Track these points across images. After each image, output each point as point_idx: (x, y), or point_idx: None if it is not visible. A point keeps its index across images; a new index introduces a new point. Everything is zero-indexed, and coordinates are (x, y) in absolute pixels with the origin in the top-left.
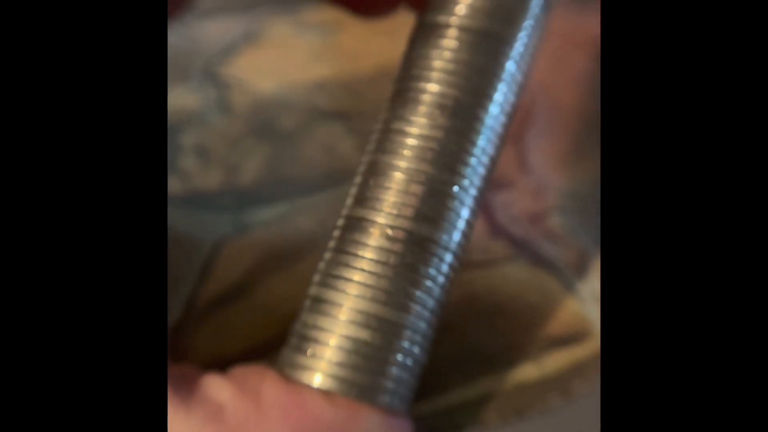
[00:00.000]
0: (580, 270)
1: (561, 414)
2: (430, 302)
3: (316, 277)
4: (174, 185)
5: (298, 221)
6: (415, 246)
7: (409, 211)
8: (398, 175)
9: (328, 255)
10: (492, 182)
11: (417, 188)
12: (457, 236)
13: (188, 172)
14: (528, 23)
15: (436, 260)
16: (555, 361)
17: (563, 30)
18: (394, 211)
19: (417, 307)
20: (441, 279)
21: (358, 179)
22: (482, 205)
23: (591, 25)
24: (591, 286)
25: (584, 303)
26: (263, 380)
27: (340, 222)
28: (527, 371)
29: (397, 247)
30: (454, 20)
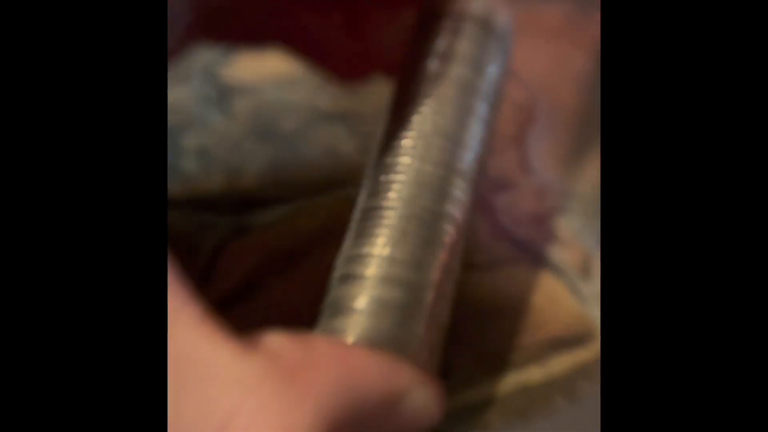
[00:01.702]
0: (584, 271)
1: (566, 416)
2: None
3: (340, 260)
4: (175, 188)
5: (300, 223)
6: (427, 219)
7: (422, 201)
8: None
9: (349, 240)
10: (494, 184)
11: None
12: (456, 211)
13: (189, 174)
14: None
15: (446, 227)
16: (559, 363)
17: (563, 30)
18: (407, 198)
19: (434, 270)
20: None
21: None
22: (484, 207)
23: (591, 25)
24: (594, 288)
25: (588, 305)
26: (312, 336)
27: (357, 215)
28: (532, 373)
29: (413, 224)
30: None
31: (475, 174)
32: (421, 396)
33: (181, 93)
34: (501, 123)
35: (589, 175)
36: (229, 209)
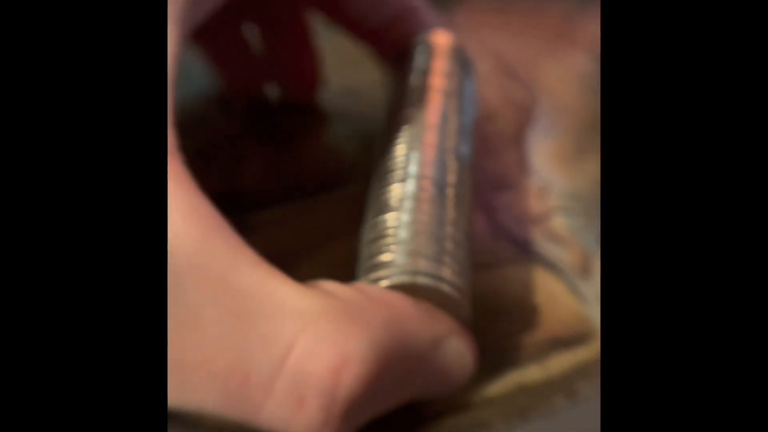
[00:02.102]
0: (584, 271)
1: (566, 416)
2: (453, 215)
3: (365, 229)
4: None
5: (300, 223)
6: (436, 186)
7: (429, 172)
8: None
9: (370, 212)
10: (494, 184)
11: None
12: (453, 179)
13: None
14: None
15: (450, 192)
16: (559, 363)
17: (563, 30)
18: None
19: (452, 225)
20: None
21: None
22: (484, 207)
23: (591, 25)
24: (594, 288)
25: (588, 304)
26: (361, 284)
27: (372, 193)
28: (531, 373)
29: (425, 194)
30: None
31: (466, 156)
32: (457, 344)
33: (181, 92)
34: (501, 123)
35: (590, 175)
36: (230, 209)
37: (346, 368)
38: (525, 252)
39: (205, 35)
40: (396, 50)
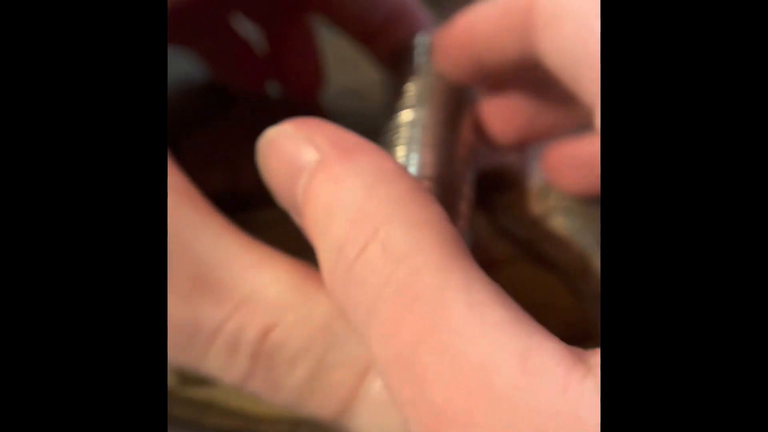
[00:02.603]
0: (583, 271)
1: None
2: None
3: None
4: None
5: None
6: (435, 190)
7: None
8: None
9: None
10: (494, 183)
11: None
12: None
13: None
14: None
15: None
16: None
17: None
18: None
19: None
20: None
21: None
22: (484, 207)
23: None
24: (594, 288)
25: (588, 304)
26: None
27: None
28: None
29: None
30: None
31: (467, 156)
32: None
33: (182, 92)
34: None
35: None
36: (229, 209)
37: (274, 330)
38: (525, 252)
39: (203, 34)
40: (393, 52)
